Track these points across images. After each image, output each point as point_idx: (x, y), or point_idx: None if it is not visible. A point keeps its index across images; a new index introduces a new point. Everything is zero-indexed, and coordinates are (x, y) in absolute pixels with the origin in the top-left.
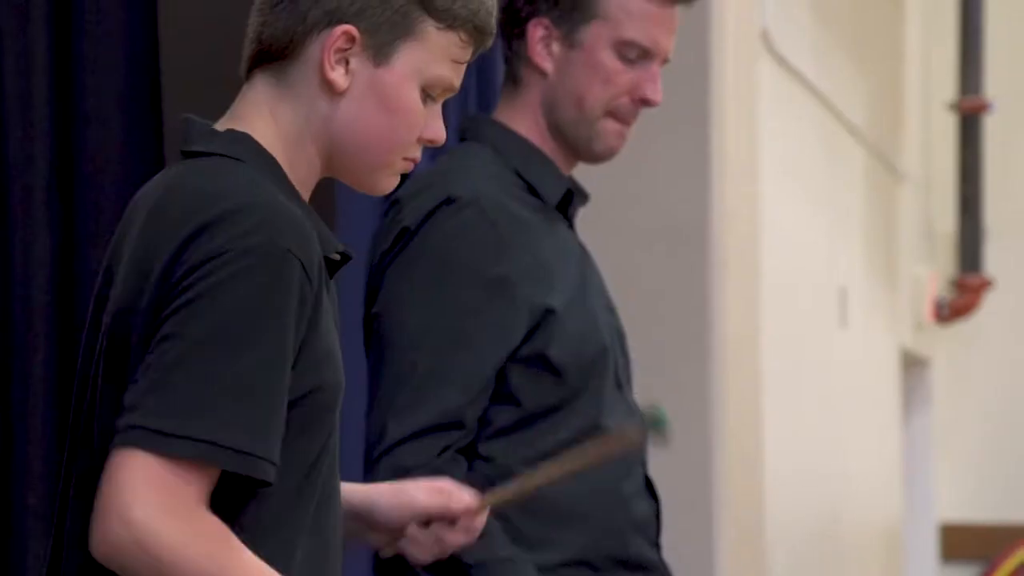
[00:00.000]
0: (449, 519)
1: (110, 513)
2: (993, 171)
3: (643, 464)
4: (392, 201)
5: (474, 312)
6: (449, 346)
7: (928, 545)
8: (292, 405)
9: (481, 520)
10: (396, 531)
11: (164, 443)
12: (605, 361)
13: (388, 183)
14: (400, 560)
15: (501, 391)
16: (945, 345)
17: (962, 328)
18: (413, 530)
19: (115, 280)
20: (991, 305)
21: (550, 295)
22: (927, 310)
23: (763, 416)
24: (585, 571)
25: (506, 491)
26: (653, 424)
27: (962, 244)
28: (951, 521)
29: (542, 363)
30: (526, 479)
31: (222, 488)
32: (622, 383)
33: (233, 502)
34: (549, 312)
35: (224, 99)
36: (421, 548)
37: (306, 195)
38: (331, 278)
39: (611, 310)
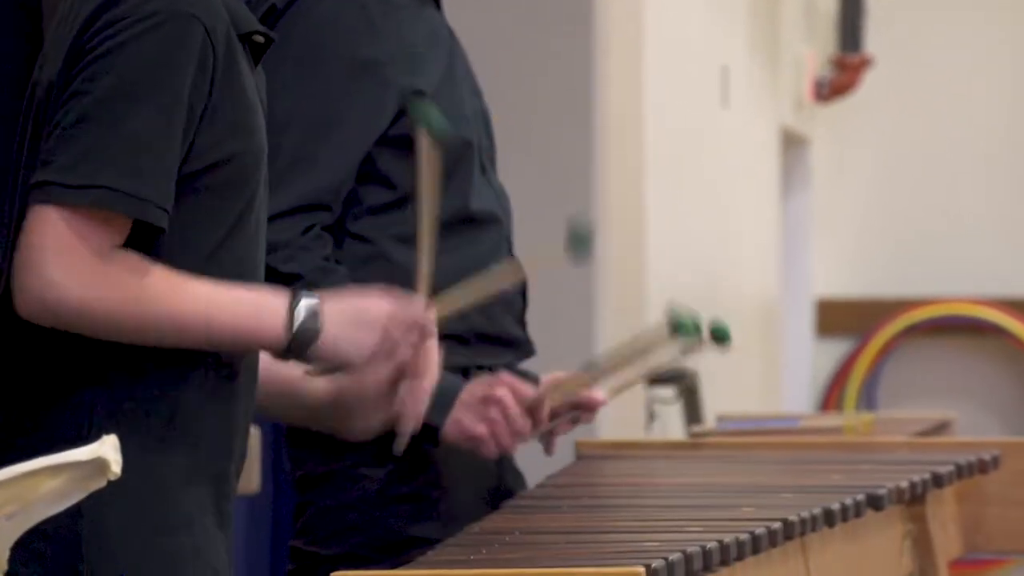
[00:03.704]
0: (395, 317)
1: (28, 272)
2: None
3: (509, 242)
4: None
5: (342, 95)
6: (316, 129)
7: (804, 320)
8: (200, 174)
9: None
10: (355, 358)
11: (67, 195)
12: (470, 145)
13: None
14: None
15: (370, 172)
16: (824, 124)
17: (842, 107)
18: (368, 336)
19: (47, 60)
20: (870, 84)
21: (419, 79)
22: (807, 89)
23: (645, 194)
24: (453, 345)
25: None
26: (717, 337)
27: (842, 22)
28: (827, 297)
29: (410, 145)
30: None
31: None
32: (486, 167)
33: None
34: (418, 95)
35: None
36: (381, 359)
37: None
38: (257, 64)
39: (476, 93)
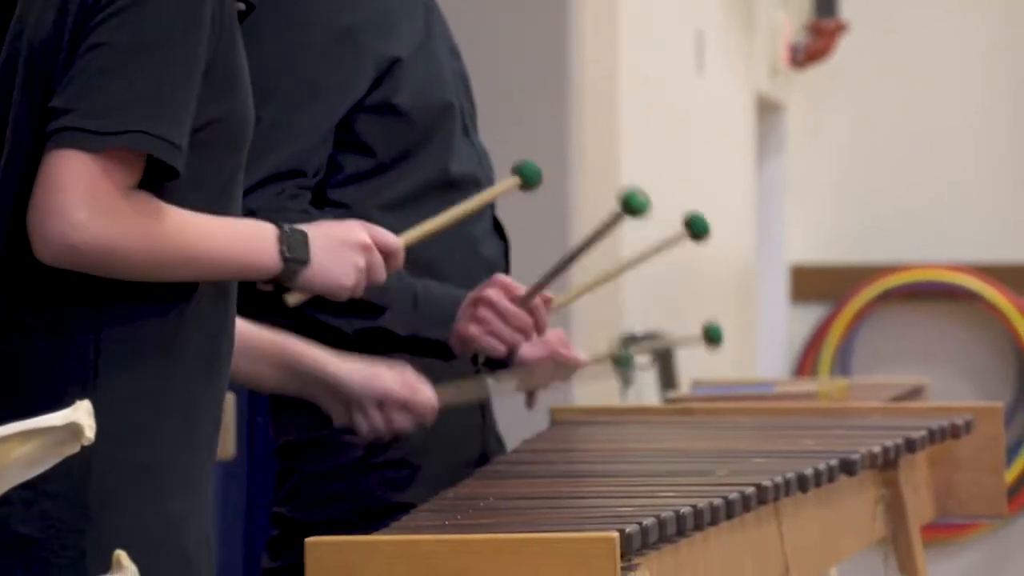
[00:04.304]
0: (404, 407)
1: (50, 215)
2: None
3: (491, 205)
4: None
5: (319, 63)
6: (294, 98)
7: (779, 286)
8: (200, 129)
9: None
10: (355, 405)
11: (94, 140)
12: (451, 107)
13: None
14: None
15: (349, 139)
16: (800, 90)
17: (817, 73)
18: (372, 408)
19: (28, 19)
20: (846, 49)
21: (396, 44)
22: (782, 55)
23: (620, 160)
24: None
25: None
26: (710, 338)
27: None
28: (801, 263)
29: (389, 111)
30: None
31: None
32: (468, 128)
33: None
34: (396, 61)
35: None
36: (371, 424)
37: None
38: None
39: (455, 54)
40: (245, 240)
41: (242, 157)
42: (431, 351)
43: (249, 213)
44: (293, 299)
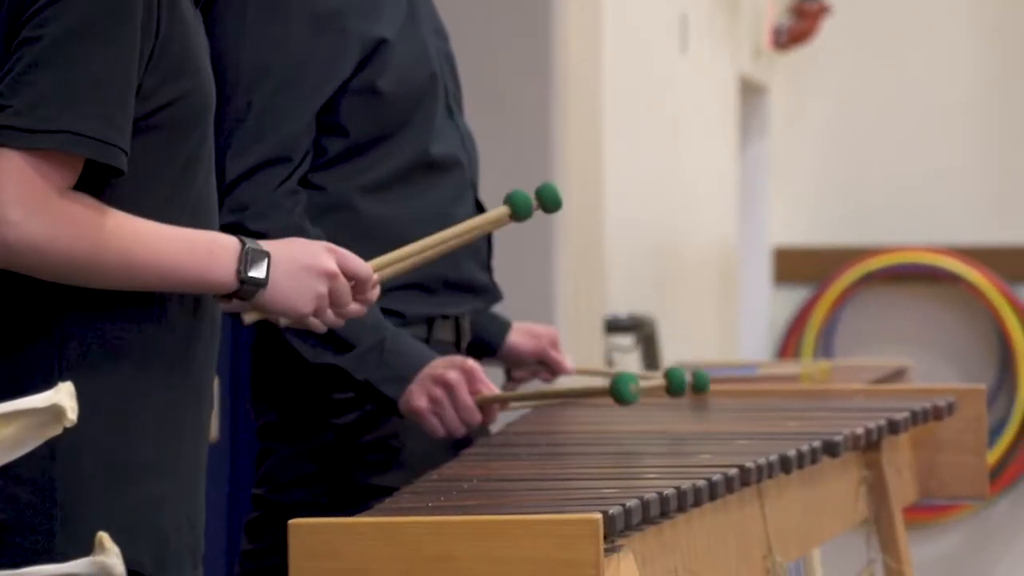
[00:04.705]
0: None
1: None
2: None
3: (474, 187)
4: None
5: (305, 47)
6: (281, 83)
7: (762, 268)
8: (149, 115)
9: None
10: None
11: (27, 138)
12: (435, 88)
13: None
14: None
15: (332, 122)
16: (783, 72)
17: (800, 55)
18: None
19: None
20: (829, 32)
21: (380, 25)
22: (766, 37)
23: (604, 141)
24: (417, 293)
25: None
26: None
27: None
28: (784, 245)
29: (372, 93)
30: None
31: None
32: (453, 109)
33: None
34: (381, 43)
35: None
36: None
37: None
38: (197, 6)
39: (441, 35)
40: (200, 253)
41: (206, 131)
42: (378, 403)
43: (241, 205)
44: (248, 317)
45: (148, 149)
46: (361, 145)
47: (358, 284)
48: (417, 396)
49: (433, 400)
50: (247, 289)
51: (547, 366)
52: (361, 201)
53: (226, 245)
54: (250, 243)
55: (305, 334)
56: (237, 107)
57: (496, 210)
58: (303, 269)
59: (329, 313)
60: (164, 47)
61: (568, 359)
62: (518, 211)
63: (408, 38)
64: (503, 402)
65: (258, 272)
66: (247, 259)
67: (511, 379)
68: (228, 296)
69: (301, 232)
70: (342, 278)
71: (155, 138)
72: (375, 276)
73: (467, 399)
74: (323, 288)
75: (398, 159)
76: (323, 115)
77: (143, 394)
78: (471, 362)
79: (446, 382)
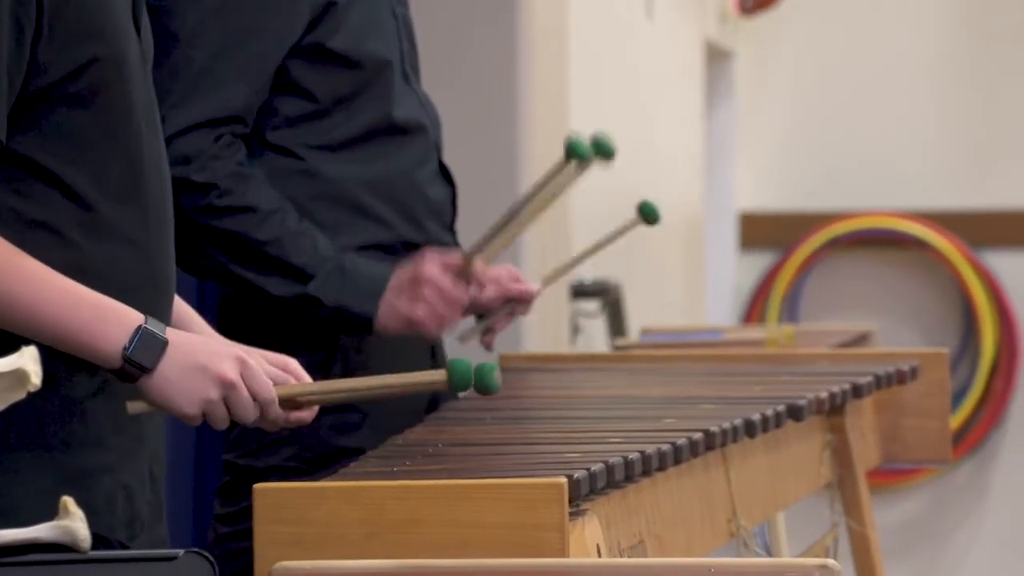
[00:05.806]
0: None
1: None
2: None
3: (438, 150)
4: None
5: (253, 6)
6: (227, 41)
7: (727, 233)
8: (53, 87)
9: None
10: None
11: None
12: (391, 51)
13: None
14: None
15: (286, 83)
16: (748, 37)
17: (766, 20)
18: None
19: None
20: None
21: None
22: (731, 1)
23: (569, 106)
24: (380, 255)
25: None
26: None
27: None
28: (750, 210)
29: (325, 54)
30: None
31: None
32: (409, 74)
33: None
34: (331, 4)
35: None
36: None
37: None
38: None
39: (401, 1)
40: (85, 314)
41: (131, 94)
42: (356, 326)
43: (184, 157)
44: (132, 407)
45: (64, 122)
46: (321, 107)
47: (259, 403)
48: (407, 307)
49: (426, 302)
50: (129, 370)
51: (516, 300)
52: (322, 163)
53: (122, 319)
54: (152, 326)
55: (268, 270)
56: (176, 60)
57: (433, 373)
58: (197, 369)
59: (220, 420)
60: (55, 17)
61: (532, 284)
62: (455, 382)
63: (362, 3)
64: (480, 251)
65: (146, 358)
66: (138, 340)
67: (490, 330)
68: (115, 374)
69: (243, 179)
70: (242, 390)
71: (67, 110)
72: (301, 399)
73: (449, 285)
74: (213, 394)
75: (360, 121)
76: (277, 76)
77: (79, 366)
78: (431, 250)
79: (427, 278)
